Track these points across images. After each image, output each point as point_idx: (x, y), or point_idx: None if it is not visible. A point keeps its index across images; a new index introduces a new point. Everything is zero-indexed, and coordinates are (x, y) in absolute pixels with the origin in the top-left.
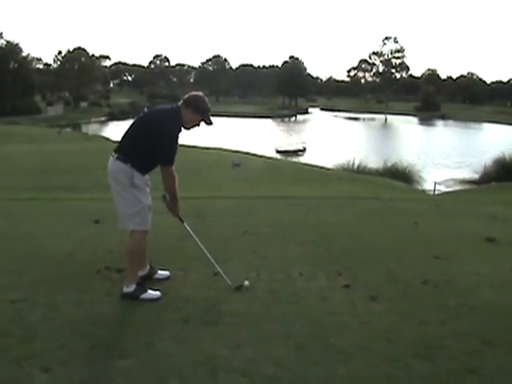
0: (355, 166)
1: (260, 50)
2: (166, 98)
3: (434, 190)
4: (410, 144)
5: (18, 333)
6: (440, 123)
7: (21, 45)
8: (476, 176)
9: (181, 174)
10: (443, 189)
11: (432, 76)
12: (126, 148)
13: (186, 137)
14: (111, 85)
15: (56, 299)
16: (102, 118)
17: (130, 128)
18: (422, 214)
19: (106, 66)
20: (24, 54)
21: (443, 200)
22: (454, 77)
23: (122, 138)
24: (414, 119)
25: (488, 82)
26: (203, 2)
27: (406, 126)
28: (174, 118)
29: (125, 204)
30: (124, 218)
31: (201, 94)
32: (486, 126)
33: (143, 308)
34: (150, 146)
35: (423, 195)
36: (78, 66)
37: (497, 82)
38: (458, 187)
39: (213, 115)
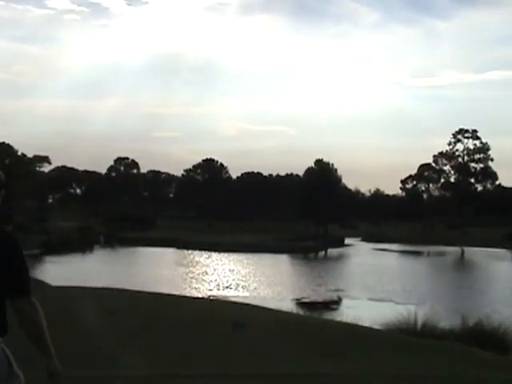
0: (418, 325)
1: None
2: (134, 221)
3: None
4: (503, 290)
5: None
6: None
7: None
8: None
9: (157, 339)
10: None
11: None
12: None
13: (167, 283)
14: (50, 200)
15: None
16: (35, 251)
17: None
18: None
19: (43, 172)
20: None
21: None
22: None
23: None
24: (507, 253)
25: None
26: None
27: (494, 263)
28: None
29: None
30: None
31: None
32: None
33: None
34: None
35: None
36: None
37: None
38: None
39: (204, 249)
